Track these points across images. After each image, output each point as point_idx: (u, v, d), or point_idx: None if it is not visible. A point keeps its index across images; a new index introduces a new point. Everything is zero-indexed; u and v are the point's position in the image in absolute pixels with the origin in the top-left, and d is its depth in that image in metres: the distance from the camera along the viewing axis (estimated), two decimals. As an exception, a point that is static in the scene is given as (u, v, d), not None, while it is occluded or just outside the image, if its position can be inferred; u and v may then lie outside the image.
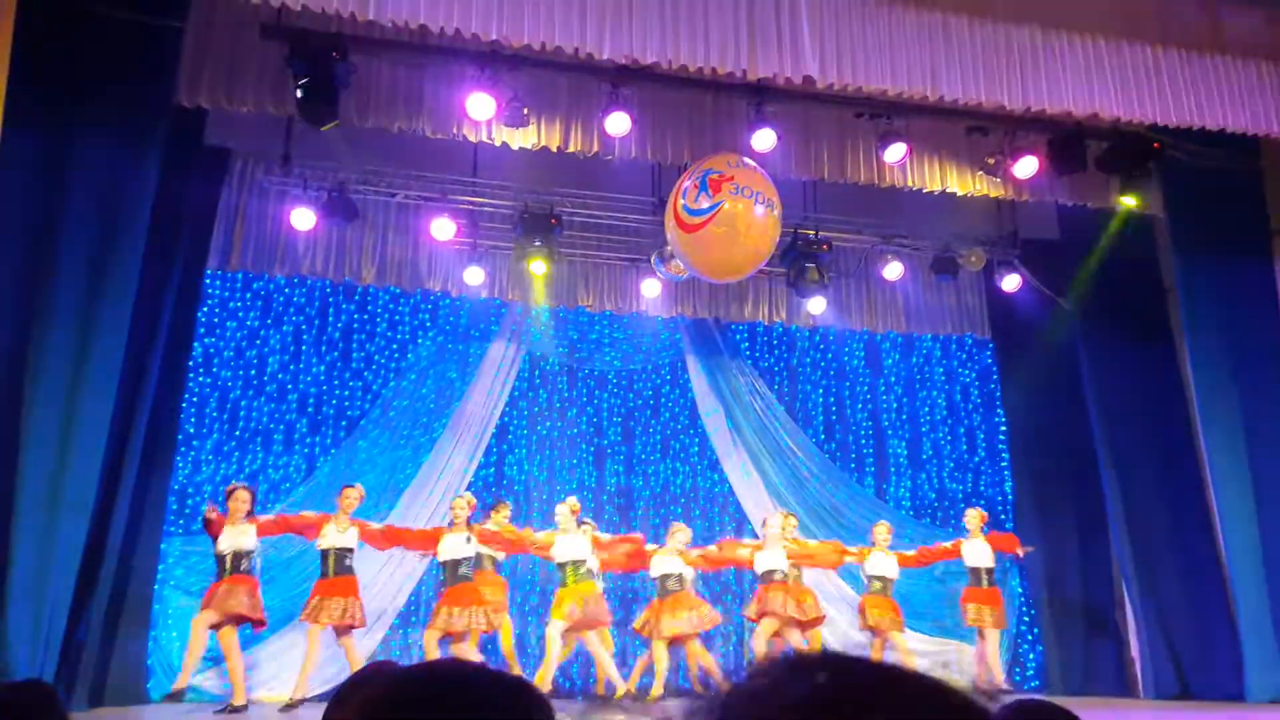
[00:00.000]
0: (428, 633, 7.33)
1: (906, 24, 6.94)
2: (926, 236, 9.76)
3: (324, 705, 1.67)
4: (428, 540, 7.67)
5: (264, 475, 8.78)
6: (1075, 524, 9.55)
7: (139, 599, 7.56)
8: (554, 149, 7.71)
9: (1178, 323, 8.72)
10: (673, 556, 8.00)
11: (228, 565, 6.95)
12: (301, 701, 6.86)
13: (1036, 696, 1.53)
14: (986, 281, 10.19)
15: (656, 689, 7.64)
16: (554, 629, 7.52)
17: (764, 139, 7.65)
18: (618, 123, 7.47)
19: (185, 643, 7.02)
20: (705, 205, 6.73)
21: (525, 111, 7.40)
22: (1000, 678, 8.23)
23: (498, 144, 7.65)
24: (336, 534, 7.25)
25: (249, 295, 9.18)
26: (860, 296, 10.34)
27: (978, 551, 8.42)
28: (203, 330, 8.82)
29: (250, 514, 7.16)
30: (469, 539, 7.50)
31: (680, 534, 8.11)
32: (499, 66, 7.25)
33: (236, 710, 6.77)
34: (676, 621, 7.74)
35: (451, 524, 7.61)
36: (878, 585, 8.38)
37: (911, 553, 8.65)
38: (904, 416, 10.51)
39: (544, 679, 7.28)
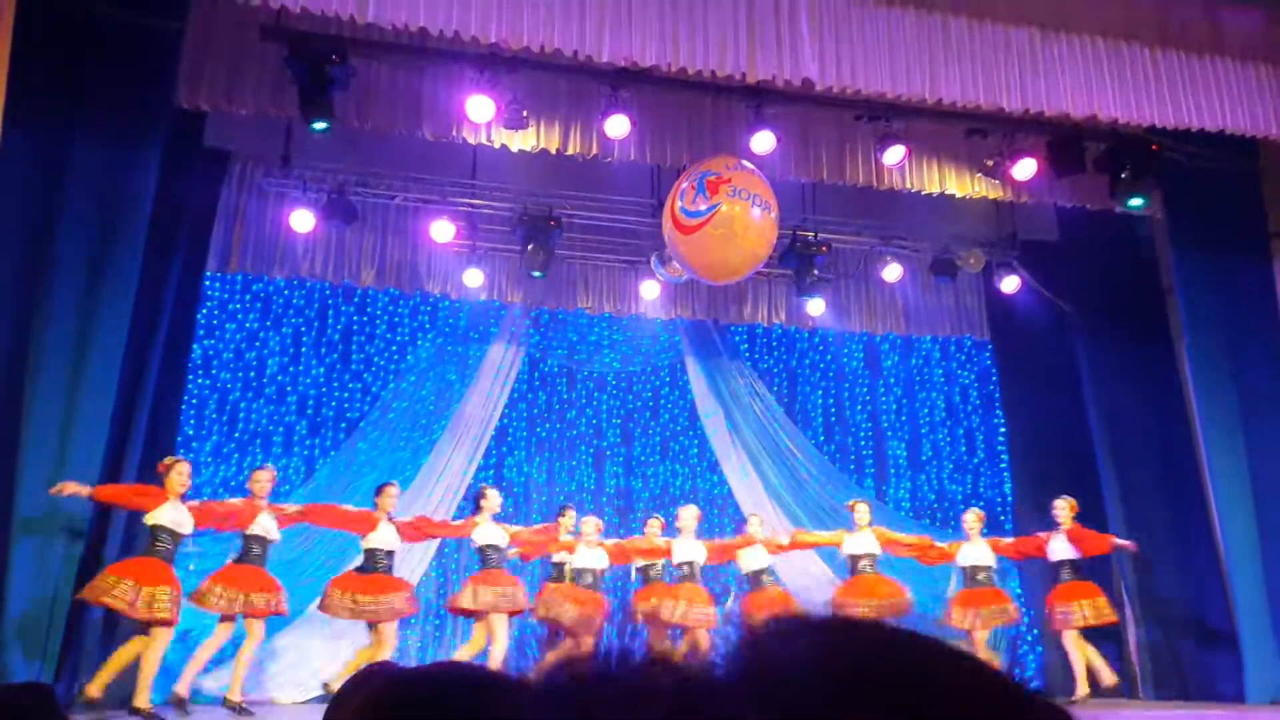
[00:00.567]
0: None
1: (905, 26, 6.95)
2: (925, 238, 9.77)
3: (324, 706, 1.67)
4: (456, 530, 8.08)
5: (263, 477, 8.77)
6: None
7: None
8: (553, 151, 7.72)
9: (1177, 324, 8.72)
10: (594, 549, 8.04)
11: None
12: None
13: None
14: (986, 283, 10.19)
15: None
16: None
17: (763, 141, 7.66)
18: (617, 125, 7.48)
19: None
20: (703, 207, 6.75)
21: (524, 114, 7.42)
22: None
23: (497, 146, 7.66)
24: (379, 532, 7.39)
25: (248, 297, 9.19)
26: (859, 298, 10.35)
27: (976, 552, 8.38)
28: (202, 332, 8.82)
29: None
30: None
31: (569, 520, 8.16)
32: (498, 69, 7.26)
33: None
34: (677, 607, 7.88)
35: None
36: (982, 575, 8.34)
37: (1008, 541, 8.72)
38: (903, 418, 10.52)
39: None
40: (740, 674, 0.57)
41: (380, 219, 9.21)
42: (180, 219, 7.83)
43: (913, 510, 10.17)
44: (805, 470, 9.92)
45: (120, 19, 6.56)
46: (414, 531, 7.73)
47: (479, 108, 7.26)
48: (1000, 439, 10.41)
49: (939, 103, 7.17)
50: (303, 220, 8.39)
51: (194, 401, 8.72)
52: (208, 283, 8.84)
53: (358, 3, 5.97)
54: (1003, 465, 10.35)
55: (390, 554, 7.37)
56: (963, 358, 10.73)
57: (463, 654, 7.57)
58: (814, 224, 9.38)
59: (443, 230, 8.76)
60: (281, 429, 9.05)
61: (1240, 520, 7.93)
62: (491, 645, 7.42)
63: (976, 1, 7.13)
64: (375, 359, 9.48)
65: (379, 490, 7.61)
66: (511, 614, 7.64)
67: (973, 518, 8.57)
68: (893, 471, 10.36)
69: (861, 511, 8.47)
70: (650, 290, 9.55)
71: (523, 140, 7.62)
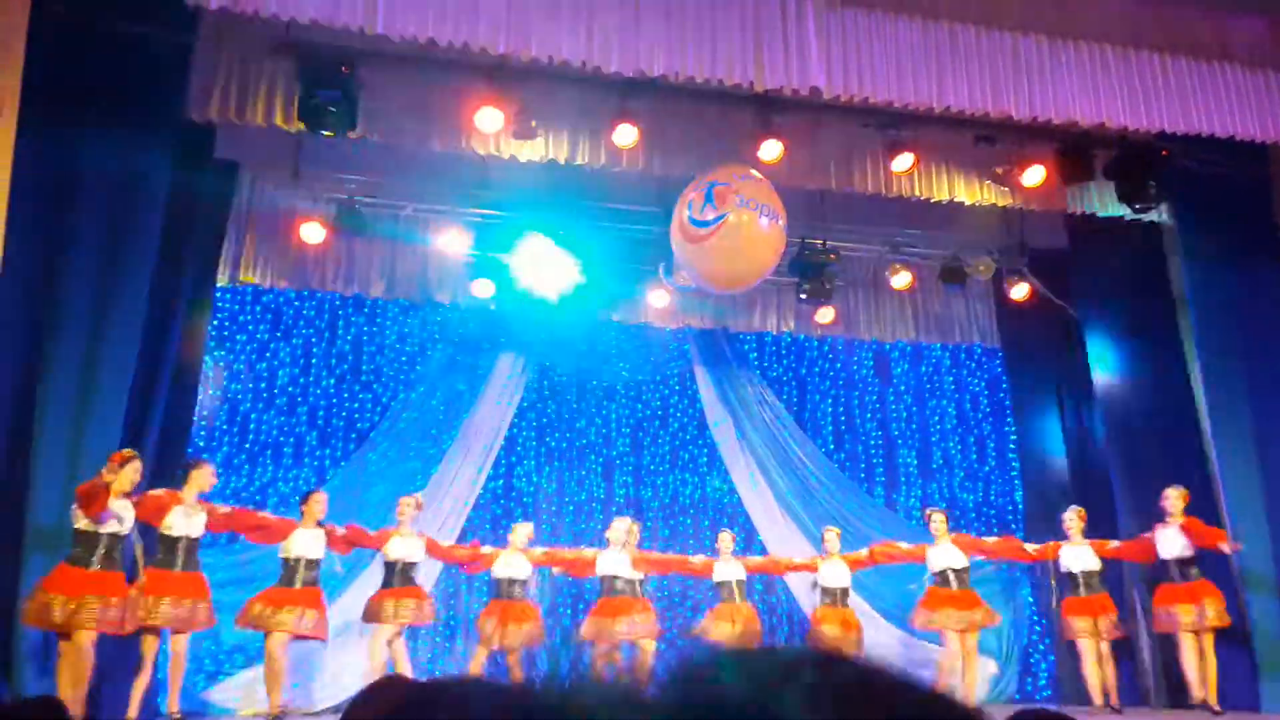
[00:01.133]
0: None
1: (913, 34, 6.95)
2: (935, 246, 9.75)
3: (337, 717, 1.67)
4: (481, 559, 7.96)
5: (274, 488, 8.80)
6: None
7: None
8: (561, 161, 7.73)
9: (1187, 330, 8.68)
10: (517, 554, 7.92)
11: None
12: None
13: (1037, 706, 1.52)
14: (995, 290, 10.18)
15: None
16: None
17: (771, 150, 7.66)
18: (625, 135, 7.49)
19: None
20: (710, 217, 6.76)
21: (533, 124, 7.43)
22: (973, 691, 7.87)
23: (506, 157, 7.67)
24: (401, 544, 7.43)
25: (259, 308, 9.23)
26: (869, 306, 10.34)
27: (946, 554, 8.17)
28: (213, 343, 8.86)
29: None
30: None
31: (522, 530, 8.04)
32: (507, 80, 7.28)
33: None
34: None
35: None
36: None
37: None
38: (913, 426, 10.50)
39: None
40: (671, 700, 0.55)
41: (390, 230, 9.22)
42: (191, 231, 7.85)
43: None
44: (815, 479, 9.90)
45: (131, 32, 6.59)
46: (342, 542, 7.41)
47: (488, 118, 7.28)
48: (1011, 446, 10.38)
49: (947, 110, 7.16)
50: (313, 232, 8.42)
51: (205, 413, 8.75)
52: (218, 294, 8.88)
53: (367, 15, 6.00)
54: (1014, 473, 10.33)
55: (315, 563, 7.09)
56: (973, 365, 10.71)
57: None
58: (823, 232, 9.37)
59: (452, 241, 8.78)
60: (292, 440, 9.08)
61: (1252, 526, 7.88)
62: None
63: (984, 9, 7.13)
64: (385, 369, 9.51)
65: (305, 498, 7.38)
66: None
67: (938, 519, 8.36)
68: (903, 479, 10.34)
69: (831, 540, 8.47)
70: (659, 299, 9.56)
71: (531, 150, 7.63)
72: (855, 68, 6.79)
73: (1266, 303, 8.28)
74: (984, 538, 8.71)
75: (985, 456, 10.45)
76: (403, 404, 9.37)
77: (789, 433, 10.07)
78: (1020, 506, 10.17)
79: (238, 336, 9.11)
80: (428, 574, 8.07)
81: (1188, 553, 7.60)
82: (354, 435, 9.24)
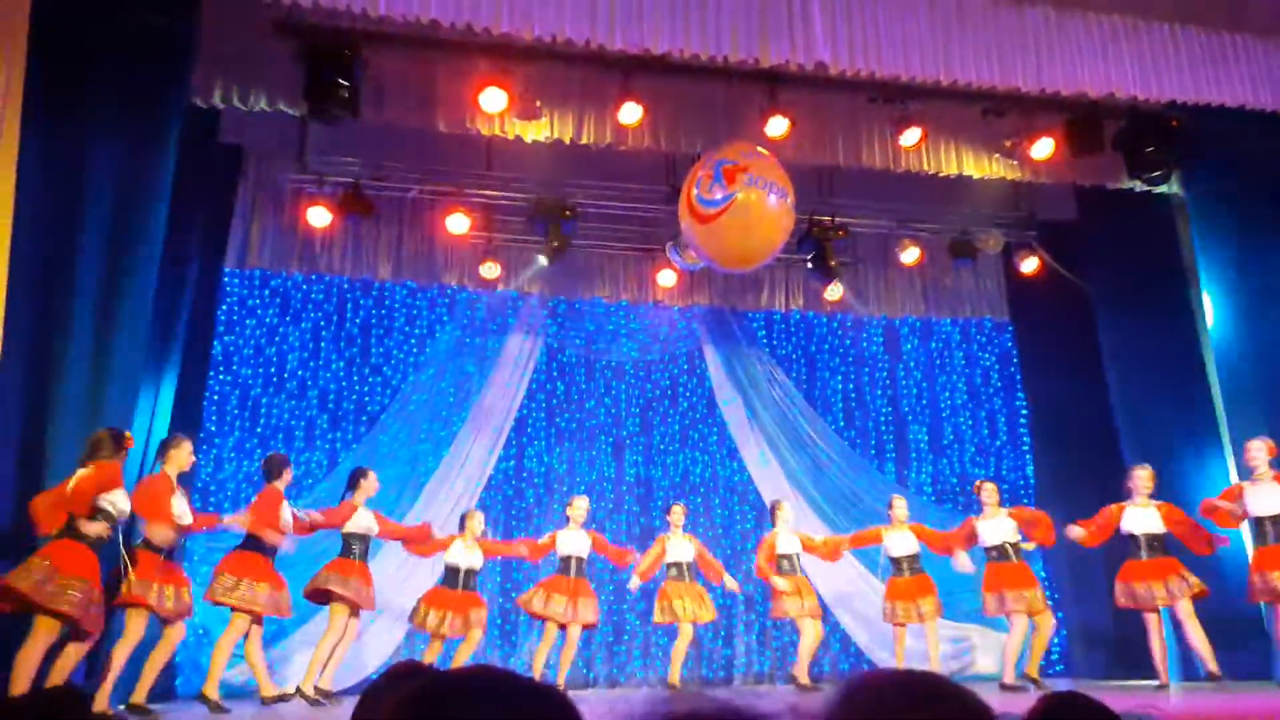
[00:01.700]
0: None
1: (919, 7, 6.90)
2: (943, 220, 9.71)
3: (354, 699, 1.67)
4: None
5: (286, 471, 8.81)
6: (1098, 507, 9.47)
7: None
8: (567, 141, 7.70)
9: (1199, 302, 8.64)
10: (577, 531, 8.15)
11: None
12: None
13: (1065, 689, 1.51)
14: (1005, 264, 10.14)
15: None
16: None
17: (777, 126, 7.62)
18: (630, 113, 7.46)
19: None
20: (719, 196, 6.73)
21: (538, 104, 7.40)
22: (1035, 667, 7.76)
23: (511, 137, 7.65)
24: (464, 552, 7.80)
25: (267, 293, 9.24)
26: (878, 282, 10.32)
27: (1000, 528, 7.90)
28: (222, 328, 8.90)
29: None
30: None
31: (475, 520, 8.08)
32: (510, 60, 7.25)
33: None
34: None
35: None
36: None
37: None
38: (924, 401, 10.48)
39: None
40: None
41: (396, 212, 9.24)
42: (197, 216, 7.87)
43: (935, 494, 10.14)
44: (825, 456, 9.90)
45: (133, 18, 6.57)
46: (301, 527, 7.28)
47: (492, 99, 7.26)
48: (1022, 421, 10.37)
49: (955, 84, 7.11)
50: (319, 215, 8.42)
51: (215, 398, 8.80)
52: (226, 279, 8.91)
53: (369, -4, 5.96)
54: (1025, 447, 10.32)
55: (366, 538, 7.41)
56: (983, 340, 10.68)
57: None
58: (831, 208, 9.34)
59: (459, 222, 8.78)
60: (303, 423, 9.11)
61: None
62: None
63: (991, -19, 7.06)
64: (394, 352, 9.52)
65: (357, 479, 7.52)
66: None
67: (899, 505, 8.37)
68: (914, 455, 10.33)
69: (900, 507, 8.37)
70: (667, 278, 9.54)
71: (536, 130, 7.60)
72: (861, 42, 6.74)
73: (1278, 274, 8.22)
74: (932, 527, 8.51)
75: (996, 431, 10.43)
76: (413, 386, 9.39)
77: (799, 410, 10.07)
78: (1031, 481, 10.16)
79: (247, 321, 9.13)
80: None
81: (1158, 529, 7.41)
82: (364, 418, 9.27)
